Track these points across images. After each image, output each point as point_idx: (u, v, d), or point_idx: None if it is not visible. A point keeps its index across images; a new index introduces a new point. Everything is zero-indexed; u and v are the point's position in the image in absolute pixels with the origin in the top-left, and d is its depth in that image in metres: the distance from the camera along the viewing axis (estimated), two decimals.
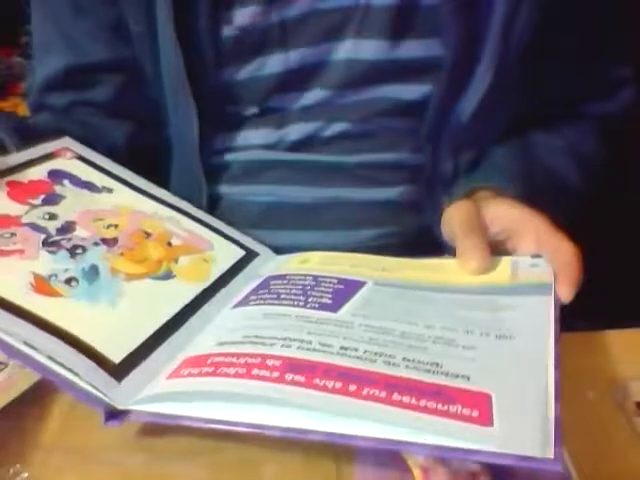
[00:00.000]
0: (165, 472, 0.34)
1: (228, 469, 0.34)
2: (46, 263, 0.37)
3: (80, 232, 0.41)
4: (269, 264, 0.45)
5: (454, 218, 0.42)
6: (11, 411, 0.35)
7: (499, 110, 0.48)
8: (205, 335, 0.36)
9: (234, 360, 0.32)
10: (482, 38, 0.45)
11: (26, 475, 0.33)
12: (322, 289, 0.39)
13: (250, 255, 0.46)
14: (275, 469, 0.34)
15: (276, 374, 0.30)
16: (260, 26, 0.47)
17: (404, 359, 0.31)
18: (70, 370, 0.31)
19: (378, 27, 0.46)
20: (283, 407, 0.28)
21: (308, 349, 0.32)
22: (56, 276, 0.36)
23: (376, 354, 0.32)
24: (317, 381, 0.30)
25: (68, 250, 0.39)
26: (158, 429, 0.35)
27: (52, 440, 0.35)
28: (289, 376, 0.30)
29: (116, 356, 0.33)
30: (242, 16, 0.46)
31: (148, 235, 0.43)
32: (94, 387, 0.31)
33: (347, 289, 0.39)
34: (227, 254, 0.45)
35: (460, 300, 0.37)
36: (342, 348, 0.32)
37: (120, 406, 0.31)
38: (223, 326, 0.37)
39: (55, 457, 0.34)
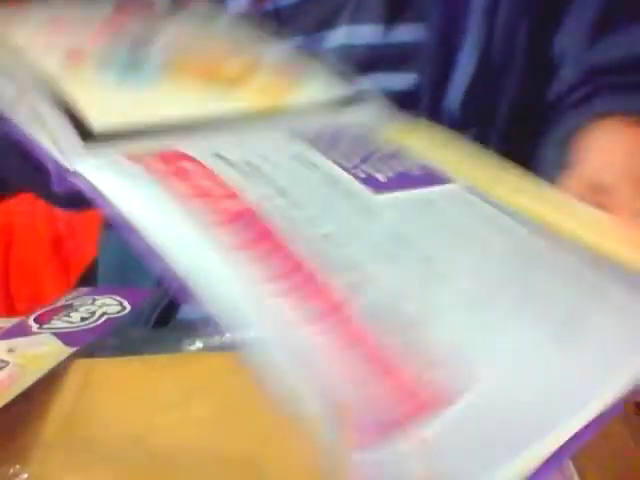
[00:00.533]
0: (167, 471, 0.33)
1: (231, 467, 0.33)
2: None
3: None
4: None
5: (615, 158, 0.32)
6: (12, 409, 0.35)
7: (494, 96, 0.47)
8: (210, 141, 0.30)
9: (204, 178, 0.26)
10: (464, 22, 0.44)
11: (26, 475, 0.33)
12: (390, 163, 0.30)
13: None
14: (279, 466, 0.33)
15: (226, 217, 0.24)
16: (254, 16, 0.46)
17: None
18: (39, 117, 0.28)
19: (372, 11, 0.45)
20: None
21: (284, 209, 0.25)
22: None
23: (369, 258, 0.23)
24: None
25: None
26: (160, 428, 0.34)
27: (53, 439, 0.35)
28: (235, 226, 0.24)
29: (98, 125, 0.29)
30: (236, 6, 0.46)
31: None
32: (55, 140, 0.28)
33: (421, 178, 0.30)
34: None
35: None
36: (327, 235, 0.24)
37: (67, 163, 0.27)
38: (241, 143, 0.30)
39: (56, 456, 0.34)
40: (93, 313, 0.45)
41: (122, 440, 0.34)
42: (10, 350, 0.39)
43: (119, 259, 0.57)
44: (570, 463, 0.31)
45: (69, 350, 0.39)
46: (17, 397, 0.35)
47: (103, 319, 0.44)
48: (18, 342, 0.40)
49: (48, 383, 0.37)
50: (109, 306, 0.46)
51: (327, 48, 0.47)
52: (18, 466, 0.33)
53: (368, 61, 0.47)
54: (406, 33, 0.46)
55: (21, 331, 0.42)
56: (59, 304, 0.47)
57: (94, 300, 0.47)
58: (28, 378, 0.36)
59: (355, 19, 0.46)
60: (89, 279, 0.62)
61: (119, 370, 0.39)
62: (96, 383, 0.38)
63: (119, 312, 0.45)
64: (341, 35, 0.47)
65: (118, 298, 0.47)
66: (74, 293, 0.49)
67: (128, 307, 0.46)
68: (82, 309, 0.45)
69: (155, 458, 0.34)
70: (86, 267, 0.66)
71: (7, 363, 0.37)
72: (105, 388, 0.38)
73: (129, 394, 0.37)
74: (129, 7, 0.37)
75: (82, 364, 0.39)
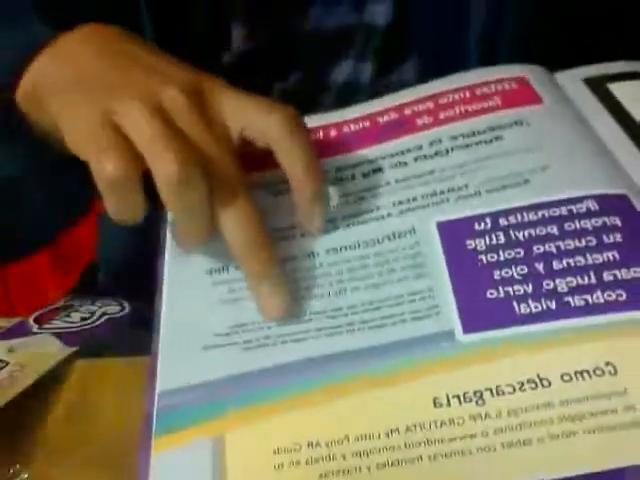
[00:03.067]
0: None
1: None
2: None
3: None
4: None
5: None
6: (11, 409, 0.35)
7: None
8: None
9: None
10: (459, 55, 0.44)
11: (26, 476, 0.33)
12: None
13: None
14: None
15: None
16: (260, 50, 0.46)
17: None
18: None
19: (378, 47, 0.46)
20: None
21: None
22: None
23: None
24: None
25: None
26: None
27: (53, 439, 0.35)
28: None
29: None
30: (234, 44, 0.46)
31: None
32: None
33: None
34: None
35: None
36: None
37: None
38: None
39: (56, 456, 0.34)
40: (93, 313, 0.45)
41: (122, 440, 0.34)
42: (10, 350, 0.39)
43: (119, 259, 0.57)
44: None
45: (69, 350, 0.39)
46: (17, 397, 0.35)
47: (103, 319, 0.44)
48: (18, 342, 0.40)
49: (48, 383, 0.37)
50: (109, 306, 0.46)
51: (331, 84, 0.47)
52: (18, 466, 0.33)
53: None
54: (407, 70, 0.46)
55: (21, 331, 0.42)
56: (59, 304, 0.47)
57: (94, 300, 0.47)
58: (28, 378, 0.36)
59: (361, 55, 0.46)
60: (89, 279, 0.62)
61: (119, 370, 0.39)
62: (96, 383, 0.38)
63: (119, 312, 0.45)
64: (346, 71, 0.46)
65: (118, 298, 0.47)
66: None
67: (128, 307, 0.46)
68: (82, 309, 0.45)
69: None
70: (86, 267, 0.66)
71: (7, 363, 0.37)
72: (105, 388, 0.37)
73: (129, 394, 0.37)
74: None
75: (82, 364, 0.39)
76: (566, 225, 0.29)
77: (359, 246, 0.31)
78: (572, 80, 0.37)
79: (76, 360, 0.39)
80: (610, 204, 0.29)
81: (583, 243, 0.28)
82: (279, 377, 0.28)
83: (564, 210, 0.29)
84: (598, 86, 0.36)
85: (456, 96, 0.36)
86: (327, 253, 0.32)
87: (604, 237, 0.28)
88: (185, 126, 0.30)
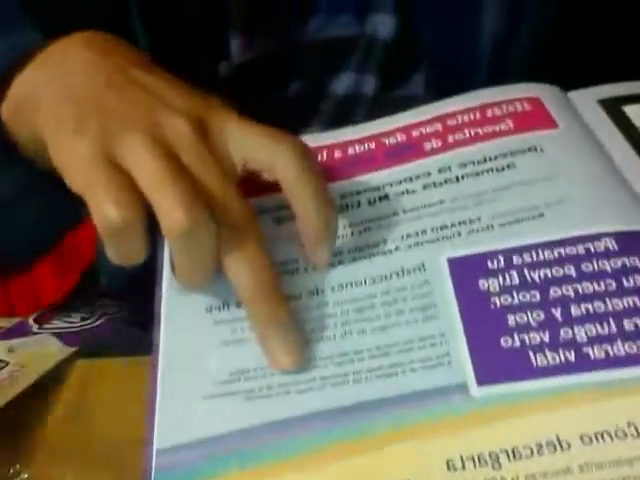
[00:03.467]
0: None
1: None
2: None
3: None
4: None
5: None
6: (12, 409, 0.35)
7: None
8: None
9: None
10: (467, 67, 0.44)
11: (26, 476, 0.33)
12: None
13: None
14: None
15: None
16: (256, 60, 0.45)
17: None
18: None
19: (380, 60, 0.45)
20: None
21: None
22: None
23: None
24: None
25: None
26: None
27: (53, 439, 0.35)
28: None
29: None
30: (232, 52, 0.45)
31: None
32: None
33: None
34: None
35: None
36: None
37: None
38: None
39: (56, 456, 0.34)
40: (93, 313, 0.45)
41: (122, 440, 0.34)
42: (10, 350, 0.39)
43: (121, 272, 0.57)
44: None
45: (69, 350, 0.39)
46: (17, 397, 0.35)
47: (103, 319, 0.44)
48: (18, 342, 0.40)
49: (48, 383, 0.37)
50: (109, 306, 0.46)
51: (332, 95, 0.47)
52: (18, 466, 0.33)
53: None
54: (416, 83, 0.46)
55: (21, 331, 0.42)
56: (59, 304, 0.47)
57: (94, 300, 0.47)
58: (28, 378, 0.36)
59: (362, 67, 0.45)
60: (89, 279, 0.62)
61: (119, 370, 0.39)
62: (96, 383, 0.38)
63: (119, 312, 0.45)
64: (347, 82, 0.46)
65: (118, 298, 0.47)
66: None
67: (128, 307, 0.46)
68: (82, 309, 0.45)
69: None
70: (86, 267, 0.66)
71: (7, 363, 0.37)
72: (105, 388, 0.37)
73: (129, 394, 0.37)
74: None
75: (82, 364, 0.39)
76: (583, 266, 0.27)
77: (366, 283, 0.29)
78: (586, 101, 0.35)
79: (76, 360, 0.39)
80: (629, 243, 0.28)
81: (602, 287, 0.26)
82: (283, 432, 0.26)
83: (581, 249, 0.28)
84: (613, 108, 0.35)
85: (465, 117, 0.35)
86: (332, 291, 0.30)
87: (624, 280, 0.26)
88: (191, 162, 0.28)
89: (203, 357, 0.29)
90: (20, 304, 0.92)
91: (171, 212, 0.26)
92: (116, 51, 0.33)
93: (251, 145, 0.30)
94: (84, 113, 0.29)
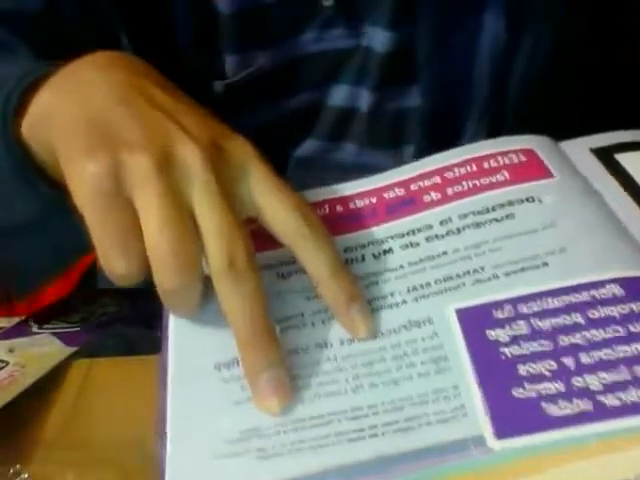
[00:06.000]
0: None
1: None
2: None
3: None
4: None
5: None
6: (11, 409, 0.35)
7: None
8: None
9: None
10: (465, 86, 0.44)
11: (26, 475, 0.33)
12: None
13: None
14: None
15: None
16: (251, 76, 0.45)
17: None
18: None
19: (376, 73, 0.45)
20: None
21: None
22: None
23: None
24: None
25: None
26: None
27: (53, 439, 0.35)
28: None
29: None
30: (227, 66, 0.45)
31: None
32: None
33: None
34: None
35: None
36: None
37: None
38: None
39: (56, 456, 0.34)
40: (93, 313, 0.45)
41: (122, 440, 0.34)
42: (10, 350, 0.39)
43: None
44: None
45: (69, 350, 0.39)
46: (17, 397, 0.35)
47: (103, 319, 0.44)
48: (18, 342, 0.40)
49: (48, 383, 0.37)
50: (109, 306, 0.46)
51: (327, 108, 0.47)
52: (18, 466, 0.33)
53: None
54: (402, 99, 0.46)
55: (21, 331, 0.42)
56: (59, 304, 0.47)
57: (94, 300, 0.47)
58: (28, 378, 0.36)
59: (358, 80, 0.45)
60: (89, 279, 0.62)
61: (119, 370, 0.39)
62: (96, 383, 0.38)
63: (119, 312, 0.45)
64: (342, 96, 0.46)
65: (118, 298, 0.47)
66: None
67: (128, 307, 0.46)
68: (82, 309, 0.45)
69: (155, 458, 0.34)
70: (86, 267, 0.66)
71: (7, 363, 0.37)
72: (105, 388, 0.37)
73: (129, 394, 0.37)
74: None
75: (82, 364, 0.39)
76: (590, 313, 0.27)
77: (374, 336, 0.29)
78: (579, 150, 0.36)
79: (76, 360, 0.39)
80: (634, 288, 0.28)
81: (611, 334, 0.26)
82: None
83: (587, 296, 0.28)
84: (606, 157, 0.35)
85: (462, 170, 0.35)
86: (341, 344, 0.29)
87: (630, 327, 0.26)
88: (201, 200, 0.28)
89: (213, 416, 0.28)
90: (20, 304, 0.92)
91: (166, 276, 0.27)
92: (133, 69, 0.33)
93: (265, 199, 0.30)
94: (98, 137, 0.29)
